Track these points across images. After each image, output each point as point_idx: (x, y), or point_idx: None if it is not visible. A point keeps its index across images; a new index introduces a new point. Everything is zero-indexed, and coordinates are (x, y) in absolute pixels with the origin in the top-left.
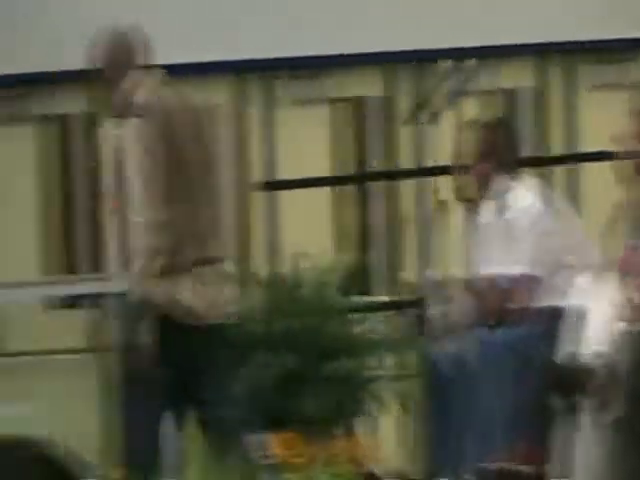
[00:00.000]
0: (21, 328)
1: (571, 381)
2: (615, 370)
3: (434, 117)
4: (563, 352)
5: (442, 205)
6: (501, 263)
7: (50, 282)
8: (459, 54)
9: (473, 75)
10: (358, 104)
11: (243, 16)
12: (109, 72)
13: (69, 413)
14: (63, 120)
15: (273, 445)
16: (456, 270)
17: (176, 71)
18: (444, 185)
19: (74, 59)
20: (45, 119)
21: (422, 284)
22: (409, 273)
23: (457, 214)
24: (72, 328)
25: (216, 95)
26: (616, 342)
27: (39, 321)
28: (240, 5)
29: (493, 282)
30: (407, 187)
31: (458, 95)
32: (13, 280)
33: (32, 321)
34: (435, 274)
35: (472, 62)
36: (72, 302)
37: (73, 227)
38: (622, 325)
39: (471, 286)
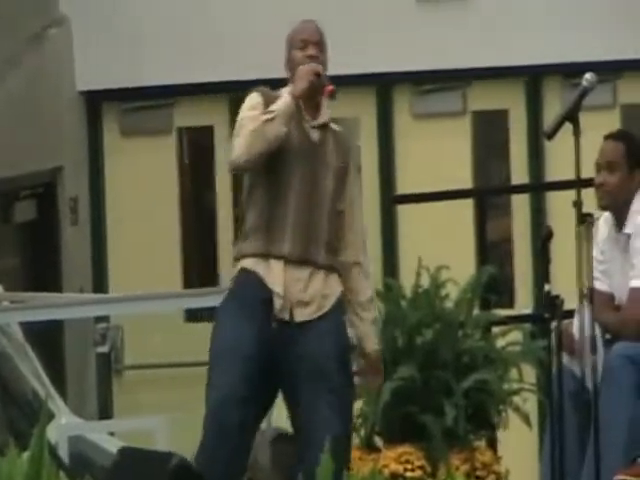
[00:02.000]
0: (162, 340)
1: None
2: None
3: (577, 130)
4: None
5: (585, 218)
6: (623, 277)
7: (190, 295)
8: (600, 67)
9: (593, 89)
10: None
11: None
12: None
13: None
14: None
15: (387, 458)
16: (595, 283)
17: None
18: (588, 198)
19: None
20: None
21: (542, 298)
22: (553, 286)
23: (599, 226)
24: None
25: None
26: None
27: (180, 333)
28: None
29: (612, 297)
30: (551, 199)
31: (577, 108)
32: (154, 292)
33: (173, 333)
34: (551, 288)
35: (593, 76)
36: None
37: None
38: None
39: (594, 299)
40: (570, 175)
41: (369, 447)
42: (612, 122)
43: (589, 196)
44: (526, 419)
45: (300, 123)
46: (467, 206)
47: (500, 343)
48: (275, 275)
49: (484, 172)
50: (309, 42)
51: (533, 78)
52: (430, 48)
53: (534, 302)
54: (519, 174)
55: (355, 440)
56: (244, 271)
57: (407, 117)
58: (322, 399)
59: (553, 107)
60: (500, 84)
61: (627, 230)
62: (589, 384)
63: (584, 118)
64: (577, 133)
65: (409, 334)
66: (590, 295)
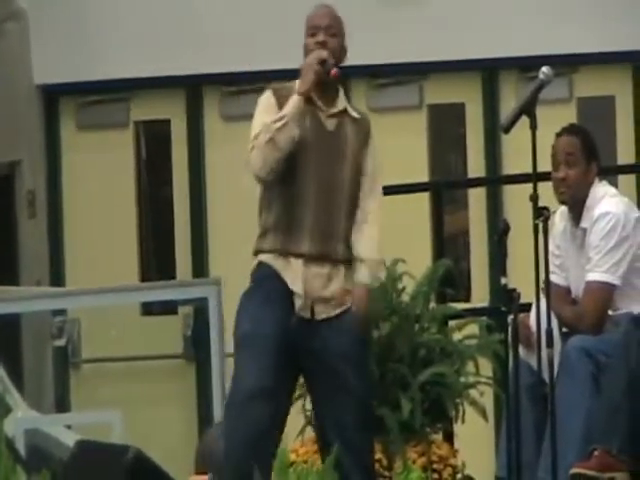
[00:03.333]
0: (119, 333)
1: None
2: None
3: (534, 123)
4: None
5: (541, 211)
6: (579, 271)
7: (148, 288)
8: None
9: (550, 82)
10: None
11: None
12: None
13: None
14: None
15: None
16: (551, 277)
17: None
18: (544, 192)
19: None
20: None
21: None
22: (510, 279)
23: (555, 220)
24: (168, 334)
25: None
26: None
27: (137, 326)
28: None
29: (569, 290)
30: (507, 193)
31: (534, 102)
32: (111, 285)
33: (130, 326)
34: (508, 281)
35: (550, 69)
36: (169, 308)
37: (172, 232)
38: None
39: (551, 293)
40: (527, 169)
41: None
42: (568, 116)
43: (544, 190)
44: (482, 412)
45: (315, 113)
46: (423, 200)
47: (457, 336)
48: (295, 273)
49: (440, 166)
50: (319, 28)
51: (489, 72)
52: (386, 42)
53: (491, 295)
54: (475, 168)
55: (311, 434)
56: (262, 264)
57: (363, 110)
58: (337, 400)
59: (509, 101)
60: (456, 78)
61: (583, 224)
62: (546, 377)
63: (540, 112)
64: (534, 127)
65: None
66: (547, 289)
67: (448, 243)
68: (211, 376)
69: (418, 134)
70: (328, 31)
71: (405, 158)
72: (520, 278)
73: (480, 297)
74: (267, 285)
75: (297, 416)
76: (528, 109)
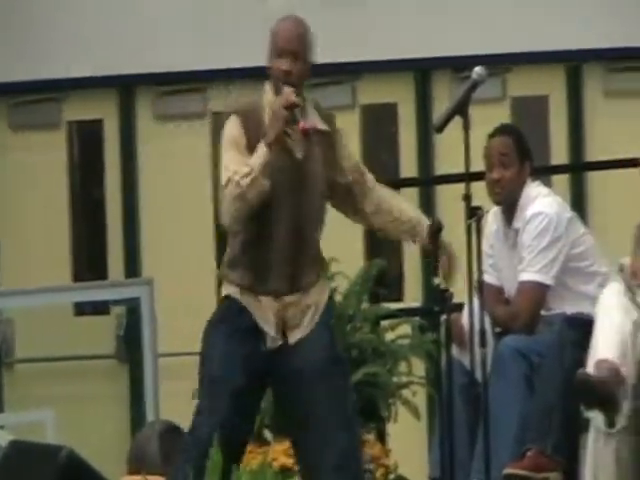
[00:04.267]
0: (50, 334)
1: (589, 391)
2: (625, 380)
3: (467, 123)
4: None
5: (474, 211)
6: (511, 271)
7: (80, 288)
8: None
9: (483, 82)
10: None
11: None
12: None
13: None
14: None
15: (276, 452)
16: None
17: None
18: (476, 192)
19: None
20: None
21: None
22: (439, 279)
23: (488, 220)
24: (101, 334)
25: None
26: (629, 351)
27: (70, 326)
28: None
29: (501, 290)
30: (440, 193)
31: (467, 101)
32: (44, 285)
33: (63, 326)
34: (439, 281)
35: (483, 69)
36: (101, 308)
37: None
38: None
39: (484, 293)
40: (460, 168)
41: (259, 440)
42: (502, 115)
43: (477, 190)
44: (415, 412)
45: (284, 143)
46: None
47: (389, 336)
48: (265, 312)
49: (373, 166)
50: (285, 52)
51: (422, 71)
52: (320, 42)
53: (423, 295)
54: (408, 168)
55: None
56: (229, 299)
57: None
58: (321, 401)
59: (442, 101)
60: (389, 78)
61: (516, 225)
62: (479, 377)
63: (474, 111)
64: (467, 126)
65: None
66: (480, 288)
67: (380, 243)
68: (144, 376)
69: (351, 134)
70: (294, 56)
71: None
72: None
73: (413, 297)
74: (234, 320)
75: None
76: (461, 109)
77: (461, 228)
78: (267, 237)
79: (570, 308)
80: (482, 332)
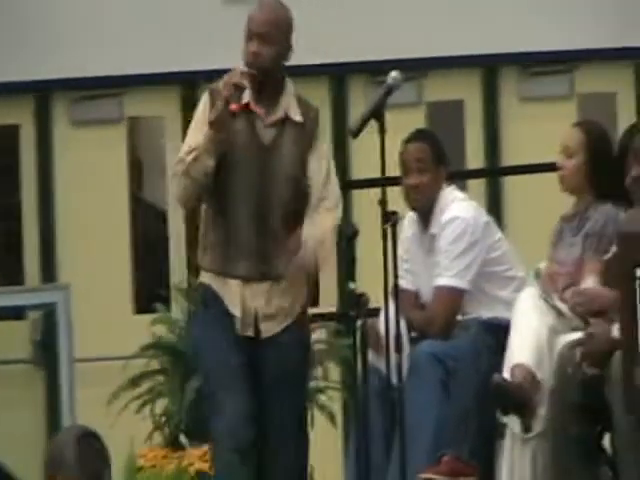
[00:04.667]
0: None
1: (505, 396)
2: (541, 385)
3: (383, 128)
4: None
5: (390, 216)
6: (427, 276)
7: None
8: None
9: (398, 87)
10: None
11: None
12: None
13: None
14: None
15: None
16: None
17: None
18: (392, 196)
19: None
20: None
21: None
22: (358, 284)
23: (404, 225)
24: (17, 339)
25: None
26: (545, 356)
27: None
28: None
29: (417, 295)
30: (356, 197)
31: (382, 106)
32: None
33: None
34: (356, 286)
35: (399, 73)
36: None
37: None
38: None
39: (400, 298)
40: (375, 173)
41: (174, 445)
42: (418, 120)
43: (393, 194)
44: (331, 417)
45: (252, 124)
46: None
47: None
48: (232, 294)
49: None
50: (253, 34)
51: (338, 76)
52: (236, 47)
53: (339, 300)
54: None
55: (159, 439)
56: (202, 286)
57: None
58: (276, 416)
59: (358, 105)
60: (306, 82)
61: (432, 230)
62: (395, 382)
63: (389, 116)
64: (382, 131)
65: None
66: (395, 293)
67: None
68: (60, 381)
69: None
70: (263, 39)
71: None
72: (369, 283)
73: (328, 302)
74: (211, 307)
75: (145, 420)
76: (377, 113)
77: (377, 233)
78: (229, 216)
79: (486, 313)
80: (398, 337)
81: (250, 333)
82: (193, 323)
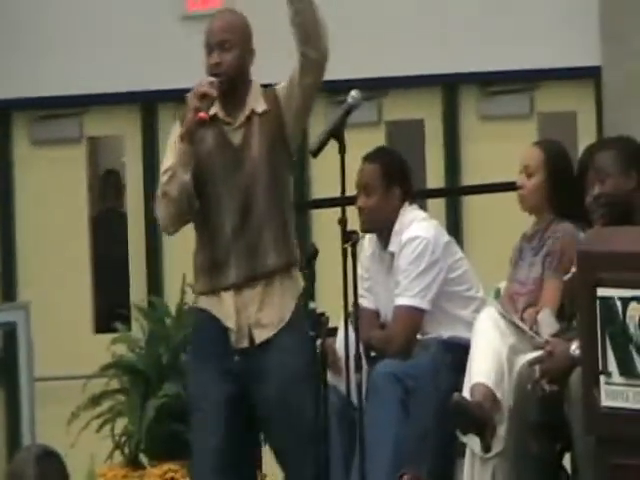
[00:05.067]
0: None
1: (464, 415)
2: (501, 405)
3: (343, 147)
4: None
5: (350, 235)
6: (387, 295)
7: None
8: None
9: (358, 106)
10: None
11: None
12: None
13: None
14: None
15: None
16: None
17: None
18: (353, 216)
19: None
20: None
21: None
22: (318, 303)
23: (364, 244)
24: None
25: None
26: (505, 375)
27: None
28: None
29: (377, 314)
30: (316, 217)
31: (342, 125)
32: None
33: None
34: (316, 305)
35: (359, 93)
36: None
37: None
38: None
39: (360, 317)
40: (336, 192)
41: (134, 465)
42: (378, 139)
43: (354, 214)
44: None
45: (219, 131)
46: None
47: None
48: (226, 307)
49: None
50: (211, 46)
51: None
52: (196, 66)
53: None
54: None
55: (120, 458)
56: (198, 311)
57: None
58: (286, 432)
59: (318, 124)
60: None
61: (391, 249)
62: (354, 402)
63: (349, 135)
64: (342, 150)
65: (174, 352)
66: (355, 313)
67: None
68: (20, 400)
69: None
70: (222, 47)
71: None
72: (329, 302)
73: None
74: (202, 335)
75: (106, 440)
76: (336, 132)
77: (337, 252)
78: (212, 227)
79: (446, 332)
80: (357, 357)
81: (245, 344)
82: (188, 350)
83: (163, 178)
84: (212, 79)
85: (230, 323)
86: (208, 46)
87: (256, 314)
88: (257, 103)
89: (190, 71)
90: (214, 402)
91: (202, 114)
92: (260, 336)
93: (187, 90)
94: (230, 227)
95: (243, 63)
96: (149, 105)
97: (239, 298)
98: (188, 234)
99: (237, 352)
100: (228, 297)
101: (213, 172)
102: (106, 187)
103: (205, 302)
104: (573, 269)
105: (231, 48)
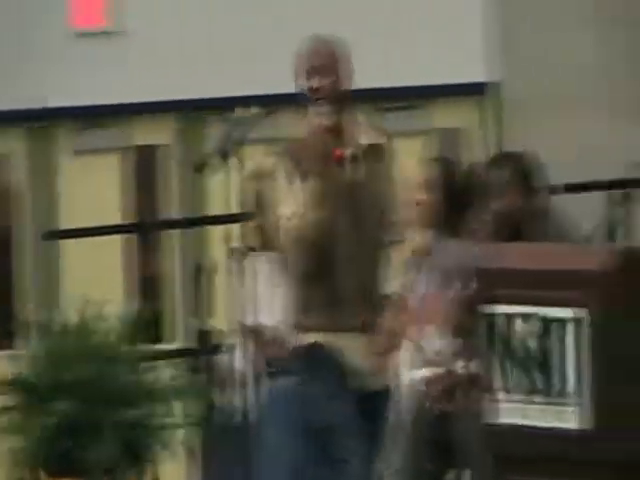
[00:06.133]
0: None
1: None
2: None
3: (226, 165)
4: None
5: (234, 252)
6: (271, 310)
7: None
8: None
9: (257, 123)
10: (148, 153)
11: None
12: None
13: None
14: None
15: None
16: (247, 318)
17: None
18: (236, 233)
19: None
20: None
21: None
22: (201, 321)
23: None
24: None
25: None
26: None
27: None
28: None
29: (264, 329)
30: (207, 234)
31: (239, 143)
32: None
33: None
34: (196, 323)
35: (257, 110)
36: None
37: None
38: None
39: (253, 334)
40: (225, 210)
41: None
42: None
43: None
44: (181, 453)
45: (329, 170)
46: (117, 242)
47: (153, 377)
48: (348, 348)
49: (140, 207)
50: (311, 70)
51: (187, 113)
52: (89, 83)
53: (187, 337)
54: (175, 209)
55: (18, 475)
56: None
57: (68, 156)
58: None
59: (209, 141)
60: (155, 119)
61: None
62: (249, 419)
63: (242, 151)
64: (228, 168)
65: (63, 369)
66: (244, 330)
67: (144, 285)
68: None
69: (123, 175)
70: (323, 71)
71: (106, 200)
72: (219, 319)
73: (176, 338)
74: (323, 375)
75: (2, 457)
76: (225, 150)
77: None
78: (334, 272)
79: None
80: (251, 374)
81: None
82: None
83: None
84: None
85: (355, 362)
86: (307, 72)
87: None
88: (361, 137)
89: (85, 86)
90: None
91: (338, 152)
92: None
93: (82, 108)
94: (345, 266)
95: (341, 86)
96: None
97: (355, 340)
98: (83, 247)
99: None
100: (347, 338)
101: (330, 211)
102: None
103: (322, 337)
104: (468, 285)
105: (330, 71)
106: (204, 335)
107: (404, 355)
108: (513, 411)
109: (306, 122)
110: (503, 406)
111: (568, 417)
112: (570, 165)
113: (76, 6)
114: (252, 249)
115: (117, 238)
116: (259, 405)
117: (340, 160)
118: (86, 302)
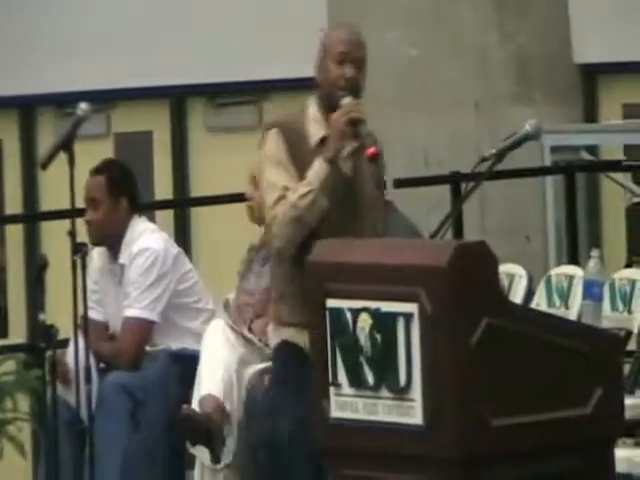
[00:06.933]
0: None
1: (193, 427)
2: (230, 416)
3: (72, 159)
4: (194, 396)
5: (79, 247)
6: (117, 307)
7: None
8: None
9: (87, 118)
10: None
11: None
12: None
13: None
14: None
15: None
16: (90, 313)
17: None
18: (83, 228)
19: None
20: None
21: (37, 328)
22: (48, 315)
23: (93, 256)
24: None
25: None
26: (234, 387)
27: None
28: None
29: (107, 326)
30: (46, 228)
31: (72, 137)
32: None
33: None
34: (46, 317)
35: (88, 105)
36: None
37: None
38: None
39: (89, 329)
40: (66, 204)
41: None
42: (106, 151)
43: (83, 226)
44: (21, 449)
45: (358, 164)
46: None
47: None
48: None
49: None
50: (349, 57)
51: (26, 108)
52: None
53: (28, 331)
54: (11, 204)
55: None
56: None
57: None
58: None
59: (47, 136)
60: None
61: (122, 260)
62: (84, 414)
63: (78, 147)
64: (72, 162)
65: None
66: (84, 324)
67: None
68: None
69: None
70: (358, 64)
71: None
72: (59, 314)
73: (18, 333)
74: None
75: None
76: (66, 145)
77: (67, 264)
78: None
79: (175, 344)
80: (87, 368)
81: None
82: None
83: (302, 201)
84: (356, 101)
85: None
86: (343, 55)
87: None
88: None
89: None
90: None
91: (373, 149)
92: None
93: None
94: None
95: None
96: None
97: None
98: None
99: None
100: None
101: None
102: None
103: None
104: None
105: (362, 68)
106: (46, 330)
107: (238, 350)
108: (347, 404)
109: (314, 107)
110: (334, 400)
111: (400, 412)
112: None
113: None
114: (84, 244)
115: None
116: (93, 398)
117: (373, 157)
118: None
